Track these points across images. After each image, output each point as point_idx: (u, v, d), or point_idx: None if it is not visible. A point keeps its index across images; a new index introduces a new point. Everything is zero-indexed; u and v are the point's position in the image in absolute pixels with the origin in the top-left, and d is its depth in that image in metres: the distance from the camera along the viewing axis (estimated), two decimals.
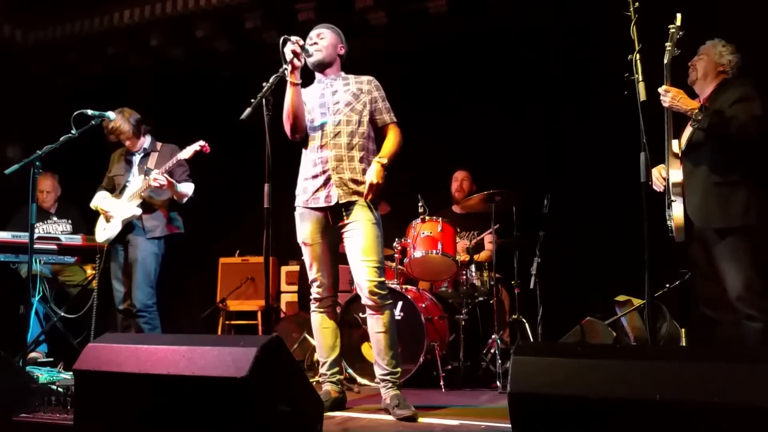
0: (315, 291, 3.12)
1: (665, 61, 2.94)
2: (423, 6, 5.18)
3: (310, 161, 3.08)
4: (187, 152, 3.83)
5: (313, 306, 3.15)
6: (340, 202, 2.99)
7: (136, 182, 4.00)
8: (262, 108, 2.57)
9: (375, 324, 3.01)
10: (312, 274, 3.11)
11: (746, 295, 2.87)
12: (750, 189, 2.92)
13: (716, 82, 3.10)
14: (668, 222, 3.09)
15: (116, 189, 4.10)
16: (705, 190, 2.96)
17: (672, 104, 2.92)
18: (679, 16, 2.88)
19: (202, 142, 3.82)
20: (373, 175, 2.93)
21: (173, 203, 4.05)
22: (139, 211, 3.92)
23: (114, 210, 3.98)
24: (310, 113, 3.10)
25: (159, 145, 4.16)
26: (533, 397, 1.73)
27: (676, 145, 3.08)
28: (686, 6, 2.99)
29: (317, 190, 3.03)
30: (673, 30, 2.89)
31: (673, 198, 3.01)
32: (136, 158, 4.11)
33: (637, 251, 2.54)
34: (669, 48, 2.92)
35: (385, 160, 2.97)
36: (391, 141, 3.08)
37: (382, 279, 3.00)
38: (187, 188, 4.01)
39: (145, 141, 4.12)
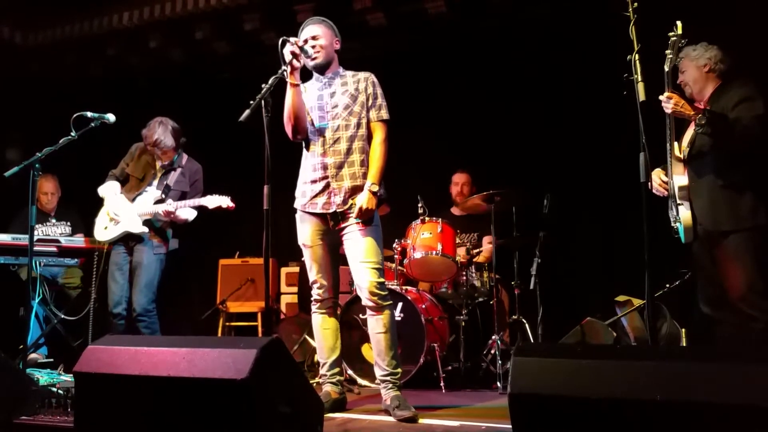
0: (316, 292, 3.13)
1: (666, 69, 2.93)
2: (422, 6, 5.18)
3: (309, 165, 3.08)
4: (212, 202, 3.79)
5: (313, 307, 3.16)
6: (338, 211, 3.00)
7: (150, 196, 3.94)
8: (262, 109, 2.57)
9: (375, 325, 3.01)
10: (312, 275, 3.12)
11: (748, 295, 2.87)
12: (756, 189, 2.92)
13: (711, 83, 3.09)
14: (673, 224, 3.09)
15: (128, 187, 4.04)
16: (712, 193, 2.95)
17: (675, 110, 2.91)
18: (679, 24, 2.86)
19: (229, 202, 3.78)
20: (364, 201, 2.93)
21: (173, 223, 4.03)
22: (146, 230, 3.90)
23: (121, 214, 3.94)
24: (309, 113, 3.09)
25: (184, 159, 4.09)
26: (534, 398, 1.72)
27: (677, 148, 3.07)
28: (684, 8, 2.98)
29: (316, 196, 3.04)
30: (674, 38, 2.87)
31: (679, 201, 3.01)
32: (159, 170, 4.04)
33: (637, 251, 2.53)
34: (670, 56, 2.91)
35: (375, 188, 2.96)
36: (376, 155, 3.02)
37: (382, 280, 3.01)
38: (188, 214, 3.97)
39: (175, 154, 4.06)
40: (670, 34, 2.87)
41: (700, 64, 3.09)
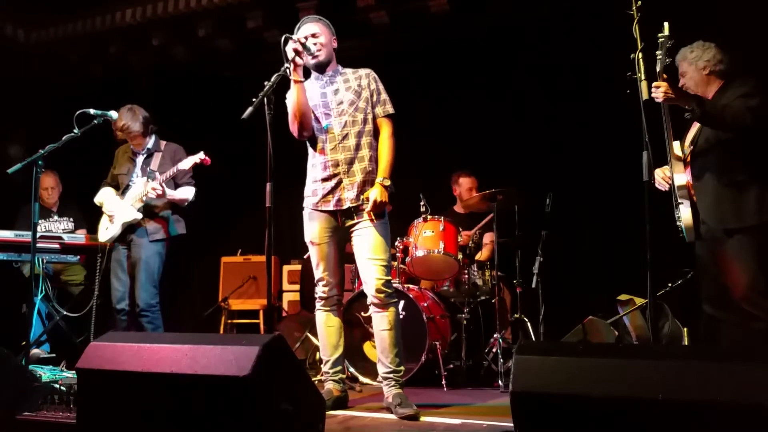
0: (321, 290, 3.13)
1: (657, 69, 2.92)
2: (424, 5, 5.18)
3: (319, 163, 3.08)
4: (186, 163, 3.83)
5: (318, 304, 3.16)
6: (351, 206, 3.00)
7: (138, 184, 3.98)
8: (264, 107, 2.57)
9: (380, 321, 3.01)
10: (318, 273, 3.11)
11: (750, 294, 2.86)
12: (761, 187, 2.91)
13: (714, 84, 3.07)
14: (678, 223, 3.08)
15: (120, 187, 4.12)
16: (716, 192, 2.94)
17: (666, 98, 2.89)
18: (666, 25, 2.85)
19: (202, 155, 3.81)
20: (377, 194, 2.94)
21: (174, 206, 4.05)
22: (139, 216, 3.92)
23: (116, 211, 4.00)
24: (313, 111, 3.09)
25: (163, 144, 4.16)
26: (535, 396, 1.73)
27: (677, 147, 3.07)
28: (686, 7, 2.97)
29: (328, 194, 3.04)
30: (662, 39, 2.86)
31: (679, 200, 3.01)
32: (140, 159, 4.10)
33: (639, 250, 2.53)
34: (660, 57, 2.90)
35: (387, 182, 2.99)
36: (385, 150, 3.05)
37: (389, 277, 3.01)
38: (186, 193, 4.01)
39: (150, 141, 4.12)
40: (659, 35, 2.86)
41: (699, 66, 3.07)
